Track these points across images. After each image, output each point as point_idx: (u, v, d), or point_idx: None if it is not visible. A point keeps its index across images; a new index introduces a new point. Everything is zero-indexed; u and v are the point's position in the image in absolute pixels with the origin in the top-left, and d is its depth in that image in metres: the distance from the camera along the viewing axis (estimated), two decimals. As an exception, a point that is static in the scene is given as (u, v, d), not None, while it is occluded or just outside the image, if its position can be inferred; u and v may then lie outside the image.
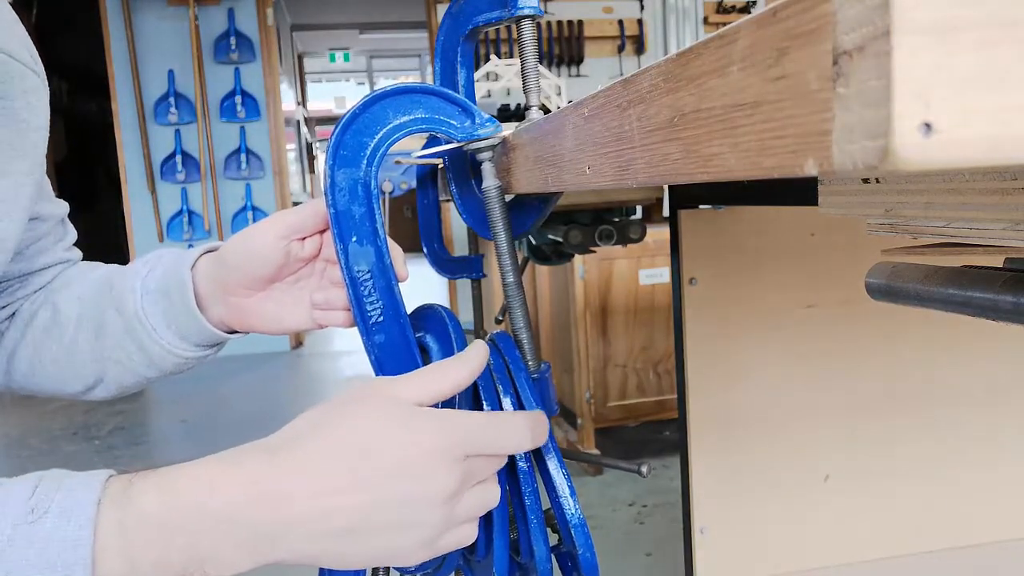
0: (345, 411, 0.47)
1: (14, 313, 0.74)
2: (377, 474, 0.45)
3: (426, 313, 0.62)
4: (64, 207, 0.76)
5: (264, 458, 0.45)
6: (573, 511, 0.57)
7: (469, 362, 0.51)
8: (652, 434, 2.86)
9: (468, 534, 0.49)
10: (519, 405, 0.58)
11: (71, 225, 0.79)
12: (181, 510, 0.43)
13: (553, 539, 0.60)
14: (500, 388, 0.58)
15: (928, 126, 0.19)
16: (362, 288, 0.59)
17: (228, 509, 0.43)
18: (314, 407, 0.48)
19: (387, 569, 0.61)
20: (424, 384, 0.49)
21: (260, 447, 0.46)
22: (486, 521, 0.59)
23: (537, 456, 0.58)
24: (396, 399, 0.47)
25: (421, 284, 0.98)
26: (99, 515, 0.42)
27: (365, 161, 0.58)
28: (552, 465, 0.57)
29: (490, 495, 0.50)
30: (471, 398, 0.58)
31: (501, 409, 0.58)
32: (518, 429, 0.50)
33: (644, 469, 0.66)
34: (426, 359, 0.60)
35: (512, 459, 0.58)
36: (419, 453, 0.45)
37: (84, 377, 0.72)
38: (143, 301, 0.66)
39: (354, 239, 0.58)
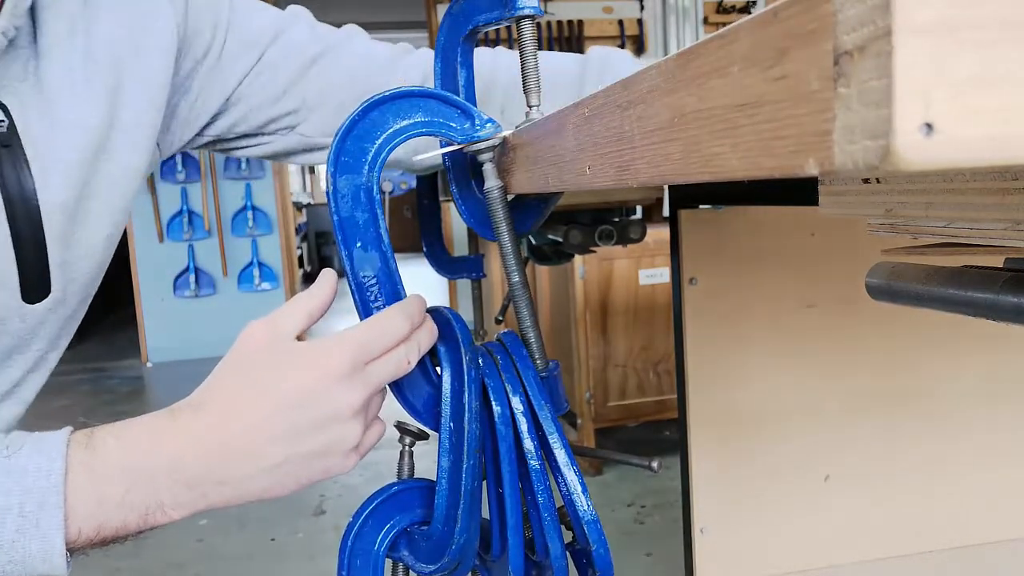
0: (249, 363, 0.52)
1: None
2: (290, 410, 0.50)
3: (432, 316, 0.62)
4: (276, 18, 0.78)
5: (194, 413, 0.51)
6: (586, 508, 0.57)
7: (325, 281, 0.57)
8: (652, 434, 2.86)
9: (381, 429, 0.56)
10: (528, 404, 0.58)
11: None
12: (137, 457, 0.48)
13: (567, 536, 0.60)
14: (509, 387, 0.58)
15: (929, 126, 0.19)
16: (368, 293, 0.59)
17: (175, 457, 0.49)
18: (223, 360, 0.53)
19: (406, 569, 0.61)
20: (297, 313, 0.54)
21: (188, 404, 0.51)
22: (500, 520, 0.59)
23: (548, 454, 0.58)
24: (283, 339, 0.53)
25: (421, 284, 0.98)
26: (68, 454, 0.47)
27: (367, 167, 0.58)
28: (563, 462, 0.58)
29: (384, 394, 0.57)
30: (480, 398, 0.58)
31: (511, 410, 0.58)
32: (393, 319, 0.55)
33: (655, 464, 0.66)
34: (434, 361, 0.60)
35: (524, 458, 0.58)
36: (319, 380, 0.51)
37: None
38: None
39: (358, 245, 0.58)
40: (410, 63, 0.83)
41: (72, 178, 0.63)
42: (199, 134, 0.77)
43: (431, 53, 0.84)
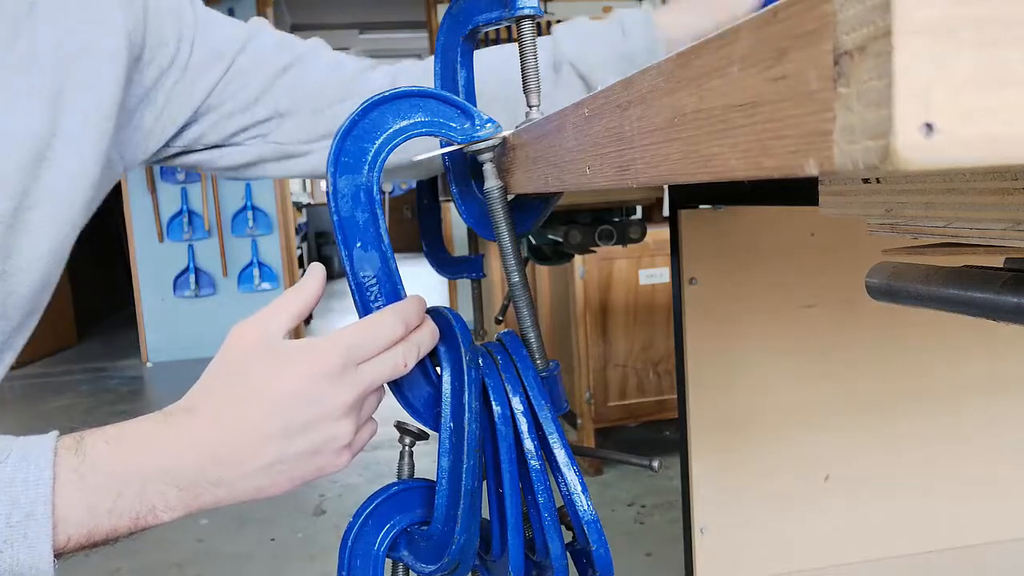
0: (240, 364, 0.52)
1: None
2: (281, 410, 0.51)
3: (432, 316, 0.62)
4: (239, 30, 0.78)
5: (186, 416, 0.51)
6: (586, 508, 0.57)
7: (312, 277, 0.57)
8: (652, 434, 2.86)
9: (374, 428, 0.57)
10: (528, 404, 0.58)
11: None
12: (129, 461, 0.48)
13: (567, 536, 0.60)
14: (509, 387, 0.58)
15: (929, 126, 0.19)
16: (368, 293, 0.59)
17: (168, 460, 0.49)
18: (213, 361, 0.53)
19: (406, 569, 0.61)
20: (284, 313, 0.55)
21: (181, 407, 0.52)
22: (500, 520, 0.59)
23: (548, 454, 0.58)
24: (272, 339, 0.53)
25: (421, 284, 0.99)
26: (56, 461, 0.46)
27: (367, 167, 0.58)
28: (563, 462, 0.58)
29: (381, 395, 0.57)
30: (480, 398, 0.58)
31: (511, 410, 0.58)
32: (386, 320, 0.55)
33: (656, 464, 0.66)
34: (434, 361, 0.60)
35: (524, 457, 0.58)
36: (308, 381, 0.51)
37: None
38: None
39: (358, 245, 0.58)
40: (378, 75, 0.83)
41: (10, 187, 0.60)
42: (166, 145, 0.75)
43: (395, 68, 0.85)
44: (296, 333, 0.55)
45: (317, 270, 0.57)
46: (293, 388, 0.51)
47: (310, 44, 0.82)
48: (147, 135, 0.73)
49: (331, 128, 0.77)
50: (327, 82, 0.80)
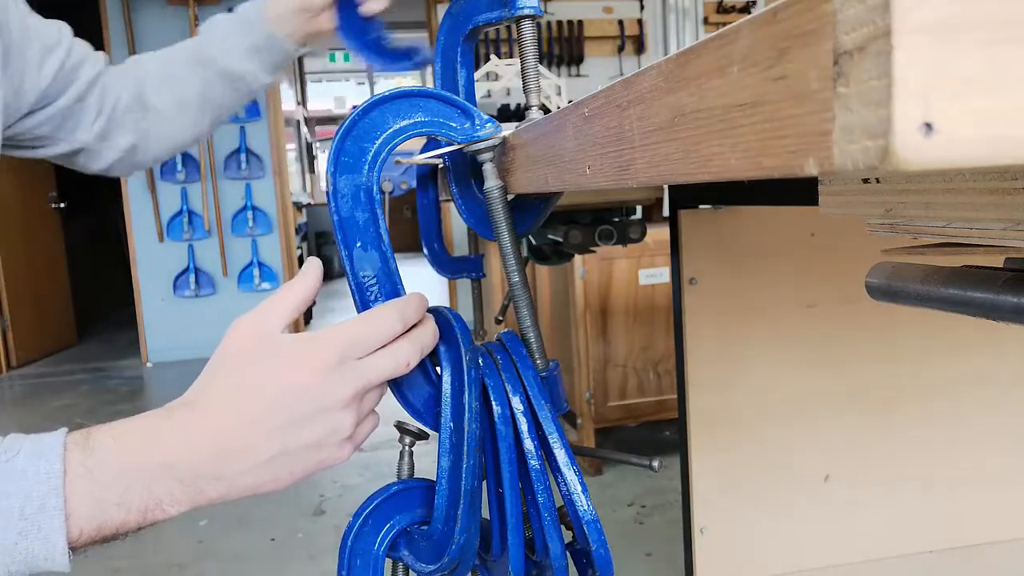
0: (239, 360, 0.53)
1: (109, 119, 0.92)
2: (281, 405, 0.51)
3: (432, 316, 0.62)
4: (62, 27, 0.89)
5: (188, 411, 0.52)
6: (586, 507, 0.57)
7: (309, 272, 0.57)
8: (652, 434, 2.86)
9: (375, 421, 0.57)
10: (528, 404, 0.58)
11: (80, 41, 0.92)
12: (134, 457, 0.49)
13: (567, 536, 0.60)
14: (509, 387, 0.58)
15: (928, 126, 0.19)
16: (368, 293, 0.59)
17: (171, 456, 0.50)
18: (213, 357, 0.54)
19: (406, 569, 0.61)
20: (282, 308, 0.55)
21: (182, 402, 0.52)
22: (500, 520, 0.59)
23: (548, 454, 0.58)
24: (271, 334, 0.53)
25: (421, 284, 1.00)
26: (66, 456, 0.47)
27: (367, 166, 0.58)
28: (563, 462, 0.58)
29: (383, 390, 0.57)
30: (480, 398, 0.58)
31: (511, 410, 0.58)
32: (384, 315, 0.55)
33: (655, 464, 0.66)
34: (434, 361, 0.60)
35: (524, 458, 0.58)
36: (307, 374, 0.51)
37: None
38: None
39: (358, 245, 0.58)
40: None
41: None
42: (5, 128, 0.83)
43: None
44: (295, 330, 0.55)
45: (314, 265, 0.58)
46: (292, 382, 0.51)
47: (102, 55, 0.95)
48: (4, 109, 0.80)
49: (116, 131, 0.92)
50: (115, 89, 0.93)
